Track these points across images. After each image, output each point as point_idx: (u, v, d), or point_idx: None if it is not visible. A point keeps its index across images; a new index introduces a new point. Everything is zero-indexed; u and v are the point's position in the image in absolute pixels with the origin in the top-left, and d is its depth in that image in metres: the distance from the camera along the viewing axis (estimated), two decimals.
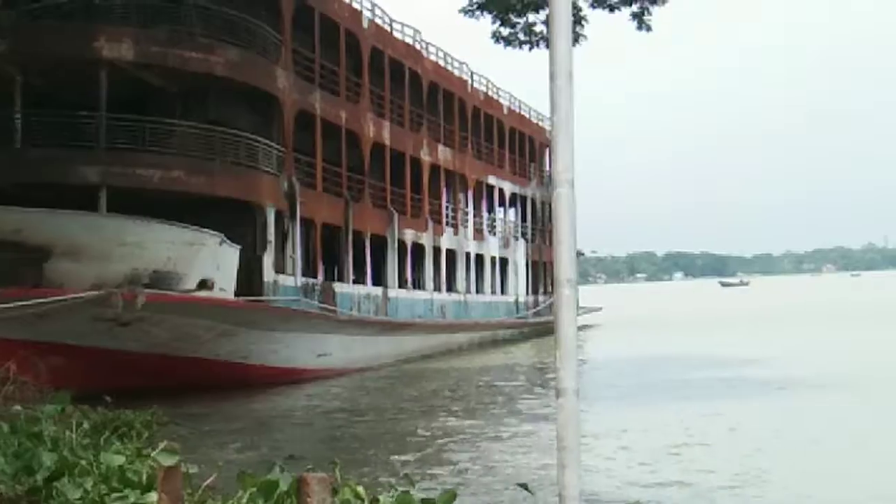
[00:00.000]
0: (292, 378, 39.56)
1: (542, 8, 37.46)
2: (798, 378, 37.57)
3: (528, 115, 76.13)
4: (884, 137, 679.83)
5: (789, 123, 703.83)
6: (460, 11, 41.48)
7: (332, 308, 45.37)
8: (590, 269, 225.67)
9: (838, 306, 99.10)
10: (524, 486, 8.11)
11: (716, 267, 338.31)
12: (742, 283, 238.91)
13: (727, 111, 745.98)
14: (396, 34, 55.10)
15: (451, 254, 61.61)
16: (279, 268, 41.96)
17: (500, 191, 71.06)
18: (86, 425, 14.17)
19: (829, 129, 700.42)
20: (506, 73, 72.25)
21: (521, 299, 73.01)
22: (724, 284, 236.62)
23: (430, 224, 58.36)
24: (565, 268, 5.17)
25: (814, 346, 52.90)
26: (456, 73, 63.14)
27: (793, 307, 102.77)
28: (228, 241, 37.87)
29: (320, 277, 45.95)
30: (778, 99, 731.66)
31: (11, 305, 30.00)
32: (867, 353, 46.83)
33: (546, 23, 29.77)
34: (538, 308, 73.34)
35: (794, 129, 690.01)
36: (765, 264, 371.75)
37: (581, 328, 59.89)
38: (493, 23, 41.28)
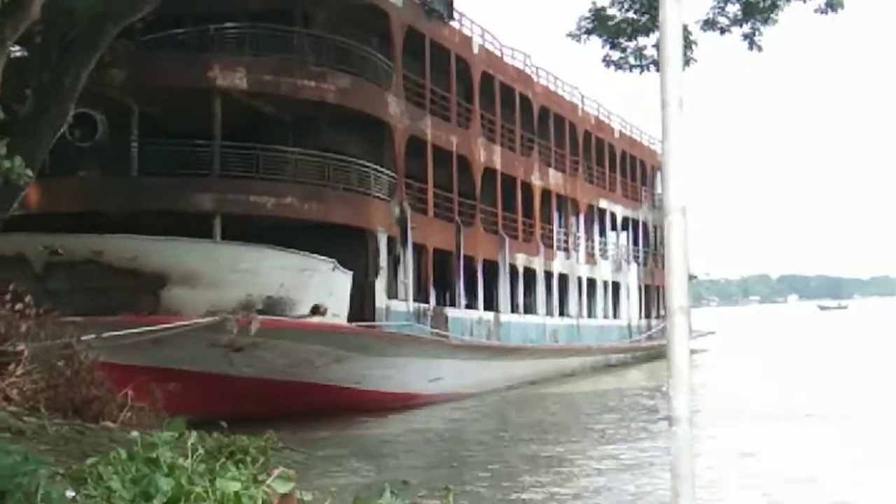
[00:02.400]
0: (405, 403, 39.70)
1: (653, 31, 37.40)
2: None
3: (638, 139, 75.85)
4: None
5: None
6: (568, 36, 41.52)
7: (444, 333, 45.45)
8: (702, 293, 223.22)
9: None
10: None
11: (831, 289, 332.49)
12: (840, 307, 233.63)
13: (844, 127, 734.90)
14: (507, 59, 55.21)
15: (562, 278, 61.48)
16: (391, 293, 42.12)
17: (612, 214, 70.83)
18: (201, 451, 14.28)
19: None
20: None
21: (634, 323, 72.64)
22: (822, 308, 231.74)
23: (542, 248, 58.29)
24: (678, 295, 5.14)
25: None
26: (566, 97, 63.11)
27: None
28: (341, 267, 38.08)
29: (432, 302, 46.04)
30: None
31: (129, 332, 30.41)
32: None
33: (656, 46, 29.64)
34: (651, 332, 72.91)
35: None
36: (882, 286, 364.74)
37: (693, 353, 59.37)
38: (603, 47, 41.32)
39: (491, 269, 52.09)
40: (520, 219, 55.36)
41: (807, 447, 28.47)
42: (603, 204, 68.82)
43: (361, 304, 39.53)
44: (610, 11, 40.58)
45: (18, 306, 25.68)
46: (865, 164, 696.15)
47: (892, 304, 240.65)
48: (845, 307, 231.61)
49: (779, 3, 38.40)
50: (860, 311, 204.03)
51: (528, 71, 57.60)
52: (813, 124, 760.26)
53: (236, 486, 11.19)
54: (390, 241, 42.18)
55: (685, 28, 32.85)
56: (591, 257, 66.57)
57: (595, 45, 40.96)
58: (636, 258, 74.64)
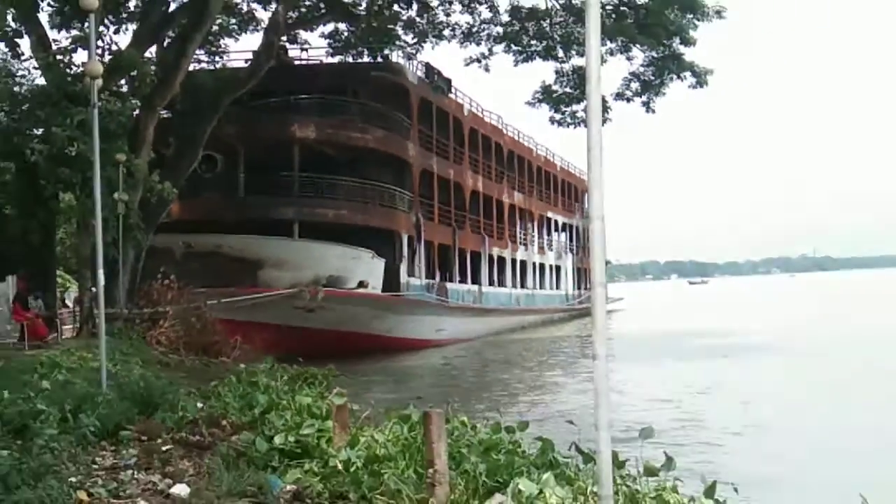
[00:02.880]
0: (419, 346, 39.65)
1: (582, 101, 37.32)
2: (743, 345, 36.95)
3: (573, 170, 75.48)
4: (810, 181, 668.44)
5: (748, 169, 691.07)
6: (526, 103, 41.57)
7: (445, 299, 45.44)
8: (614, 273, 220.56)
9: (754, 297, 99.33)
10: (570, 422, 8.07)
11: (699, 270, 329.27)
12: (703, 282, 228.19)
13: (711, 157, 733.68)
14: (486, 118, 55.08)
15: (523, 263, 61.38)
16: (410, 273, 42.12)
17: (555, 221, 70.65)
18: (285, 377, 14.31)
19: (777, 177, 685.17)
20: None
21: (570, 293, 72.48)
22: (691, 283, 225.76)
23: (509, 243, 58.18)
24: (598, 274, 5.15)
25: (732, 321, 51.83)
26: (525, 143, 62.96)
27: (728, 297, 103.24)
28: (377, 256, 38.14)
29: (437, 279, 46.01)
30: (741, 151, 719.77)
31: (238, 299, 30.48)
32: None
33: (585, 110, 29.74)
34: (581, 299, 72.65)
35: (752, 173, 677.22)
36: (732, 269, 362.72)
37: (609, 312, 59.38)
38: (550, 111, 41.34)
39: (476, 257, 52.02)
40: (495, 224, 55.24)
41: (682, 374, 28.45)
42: (549, 214, 68.68)
43: (391, 280, 39.53)
44: (554, 87, 40.72)
45: (166, 282, 25.80)
46: (725, 180, 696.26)
47: (737, 281, 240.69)
48: (706, 283, 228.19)
49: (665, 82, 38.50)
50: (716, 285, 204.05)
51: (500, 126, 57.50)
52: (694, 149, 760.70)
53: (308, 399, 11.20)
54: (409, 238, 42.20)
55: (603, 98, 32.88)
56: (541, 250, 66.44)
57: (544, 109, 41.20)
58: (571, 250, 74.44)
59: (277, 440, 9.16)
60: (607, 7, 35.88)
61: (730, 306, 79.97)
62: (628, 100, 38.86)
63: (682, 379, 26.77)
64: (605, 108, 39.12)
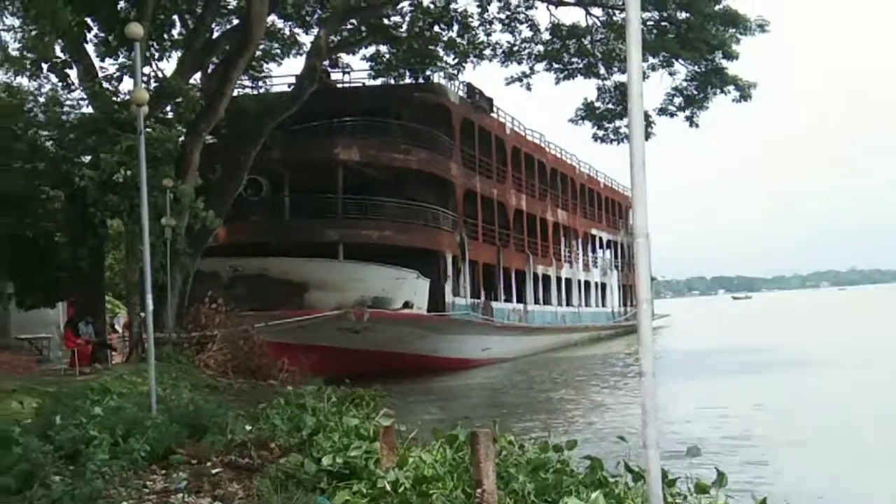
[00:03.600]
0: (466, 366, 39.58)
1: (625, 117, 37.21)
2: (788, 360, 36.45)
3: (616, 187, 75.20)
4: (862, 197, 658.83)
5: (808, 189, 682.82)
6: (569, 121, 41.56)
7: (491, 318, 45.35)
8: (660, 289, 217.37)
9: (798, 313, 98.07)
10: (622, 438, 8.01)
11: (746, 285, 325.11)
12: (746, 297, 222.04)
13: (759, 181, 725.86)
14: (528, 136, 55.07)
15: (568, 281, 61.13)
16: (455, 292, 42.11)
17: (600, 238, 70.38)
18: (333, 398, 14.30)
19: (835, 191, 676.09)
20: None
21: (615, 310, 72.04)
22: (735, 298, 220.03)
23: (554, 261, 58.00)
24: (644, 290, 5.12)
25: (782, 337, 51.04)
26: (568, 160, 62.82)
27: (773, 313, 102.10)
28: (422, 276, 38.18)
29: (482, 298, 45.93)
30: (795, 172, 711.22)
31: (285, 321, 30.64)
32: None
33: (627, 126, 29.70)
34: (627, 316, 72.18)
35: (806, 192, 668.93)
36: (780, 283, 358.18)
37: (655, 329, 58.86)
38: (593, 127, 41.30)
39: (521, 276, 51.88)
40: (539, 242, 55.10)
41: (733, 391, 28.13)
42: (593, 231, 68.41)
43: (436, 300, 39.56)
44: (597, 104, 40.68)
45: (214, 306, 25.99)
46: (771, 193, 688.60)
47: (784, 295, 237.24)
48: (750, 297, 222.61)
49: (708, 96, 38.30)
50: (760, 300, 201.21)
51: (542, 144, 57.43)
52: (739, 161, 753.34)
53: (356, 421, 11.20)
54: (454, 258, 42.20)
55: (646, 114, 32.75)
56: (586, 267, 66.13)
57: (587, 126, 41.15)
58: (616, 267, 74.01)
59: (325, 462, 9.17)
60: (648, 23, 35.85)
61: (772, 321, 79.03)
62: (671, 115, 38.73)
63: (728, 394, 26.49)
64: (648, 124, 39.03)
